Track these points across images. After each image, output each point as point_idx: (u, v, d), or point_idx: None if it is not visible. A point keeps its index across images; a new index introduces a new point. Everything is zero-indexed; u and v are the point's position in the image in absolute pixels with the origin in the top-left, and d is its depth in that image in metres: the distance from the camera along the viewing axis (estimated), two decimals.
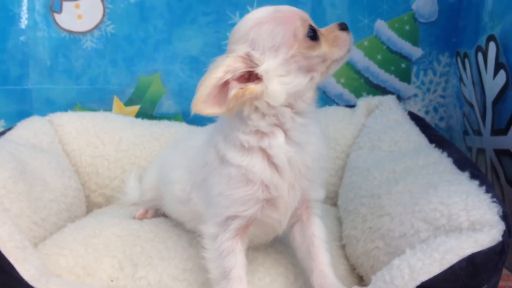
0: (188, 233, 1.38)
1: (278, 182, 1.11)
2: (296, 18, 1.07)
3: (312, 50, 1.06)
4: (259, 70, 1.03)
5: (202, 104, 0.99)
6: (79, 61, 2.19)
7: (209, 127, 1.27)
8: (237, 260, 1.12)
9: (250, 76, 1.03)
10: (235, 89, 1.00)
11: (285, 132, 1.10)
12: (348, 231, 1.41)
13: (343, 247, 1.43)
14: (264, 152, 1.09)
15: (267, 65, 1.03)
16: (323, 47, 1.09)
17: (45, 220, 1.43)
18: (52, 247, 1.33)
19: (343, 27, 1.13)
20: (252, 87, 1.02)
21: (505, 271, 1.58)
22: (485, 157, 1.72)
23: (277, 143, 1.09)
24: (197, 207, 1.25)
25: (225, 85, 1.01)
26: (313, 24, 1.09)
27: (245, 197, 1.11)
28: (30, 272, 1.05)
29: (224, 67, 1.00)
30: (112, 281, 1.24)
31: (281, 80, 1.05)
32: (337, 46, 1.11)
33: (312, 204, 1.22)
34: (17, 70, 2.14)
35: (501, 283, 1.46)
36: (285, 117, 1.08)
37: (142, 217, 1.59)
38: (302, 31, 1.06)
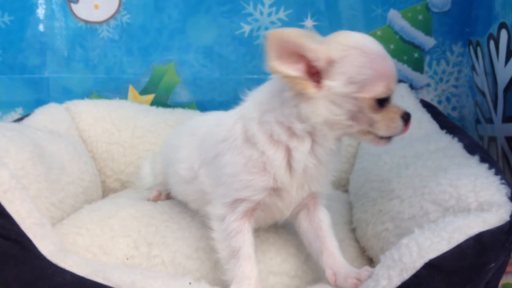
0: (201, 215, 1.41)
1: (289, 182, 1.14)
2: (388, 78, 1.06)
3: (370, 110, 1.06)
4: (326, 83, 1.04)
5: (276, 60, 1.00)
6: (96, 51, 2.22)
7: (233, 110, 1.27)
8: (245, 239, 1.15)
9: (315, 75, 1.05)
10: (298, 72, 1.02)
11: (313, 143, 1.11)
12: (359, 214, 1.43)
13: (353, 230, 1.46)
14: (288, 151, 1.12)
15: (334, 84, 1.04)
16: (379, 117, 1.07)
17: (62, 202, 1.46)
18: (69, 227, 1.37)
19: (406, 117, 1.12)
20: (309, 86, 1.03)
21: None
22: (496, 145, 1.73)
23: (303, 149, 1.11)
24: (204, 185, 1.27)
25: (298, 59, 1.03)
26: (391, 92, 1.09)
27: (257, 184, 1.13)
28: (49, 248, 1.09)
29: (313, 45, 1.02)
30: (127, 259, 1.27)
31: (330, 106, 1.05)
32: (387, 126, 1.09)
33: (319, 195, 1.24)
34: (35, 59, 2.19)
35: (508, 268, 1.48)
36: (318, 131, 1.10)
37: (156, 199, 1.62)
38: (381, 92, 1.05)
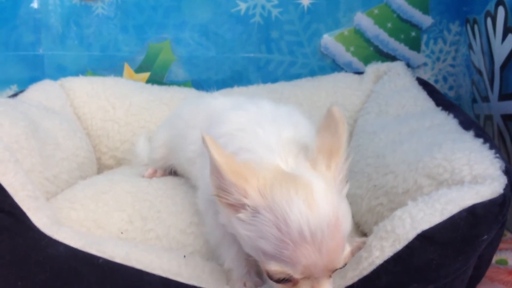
0: (195, 191, 1.41)
1: None
2: (292, 264, 0.86)
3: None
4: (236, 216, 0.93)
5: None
6: (90, 28, 2.21)
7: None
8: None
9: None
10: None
11: None
12: (353, 190, 1.43)
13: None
14: None
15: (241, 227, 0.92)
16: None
17: (56, 177, 1.46)
18: (63, 202, 1.37)
19: None
20: (222, 205, 0.94)
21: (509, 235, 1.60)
22: (492, 124, 1.73)
23: None
24: (197, 173, 1.28)
25: None
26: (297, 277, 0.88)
27: None
28: (42, 221, 1.08)
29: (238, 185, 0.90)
30: (122, 233, 1.27)
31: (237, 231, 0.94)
32: None
33: None
34: (29, 36, 2.17)
35: (503, 245, 1.49)
36: None
37: (151, 176, 1.62)
38: (273, 271, 0.88)
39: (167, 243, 1.25)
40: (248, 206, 0.88)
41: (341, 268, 0.90)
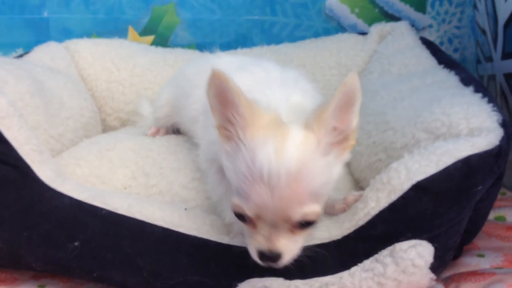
0: (197, 149, 1.43)
1: None
2: (246, 200, 0.91)
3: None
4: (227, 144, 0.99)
5: (213, 98, 0.95)
6: None
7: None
8: (229, 185, 1.17)
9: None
10: (220, 120, 0.96)
11: None
12: (353, 147, 1.44)
13: (348, 164, 1.47)
14: None
15: (225, 157, 0.98)
16: (245, 227, 0.97)
17: (61, 135, 1.49)
18: (68, 158, 1.40)
19: (261, 256, 0.94)
20: (221, 135, 0.98)
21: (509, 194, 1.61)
22: (495, 83, 1.73)
23: None
24: (199, 132, 1.31)
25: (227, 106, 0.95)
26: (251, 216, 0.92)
27: None
28: (47, 174, 1.11)
29: (243, 110, 0.93)
30: (125, 188, 1.30)
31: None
32: (248, 244, 0.97)
33: None
34: None
35: (502, 203, 1.50)
36: None
37: (154, 135, 1.65)
38: (234, 205, 0.94)
39: (169, 198, 1.28)
40: (235, 139, 0.93)
41: (303, 225, 0.92)
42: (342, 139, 0.96)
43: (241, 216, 0.94)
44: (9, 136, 1.10)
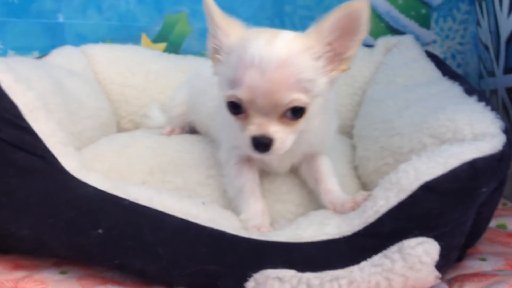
0: (212, 147, 1.49)
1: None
2: (238, 86, 1.05)
3: (229, 111, 1.11)
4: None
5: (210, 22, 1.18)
6: None
7: None
8: (248, 178, 1.25)
9: None
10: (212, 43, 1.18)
11: None
12: (361, 152, 1.50)
13: (356, 168, 1.53)
14: None
15: (215, 71, 1.20)
16: (239, 123, 1.11)
17: (81, 133, 1.54)
18: (88, 154, 1.46)
19: (255, 143, 1.07)
20: (212, 56, 1.20)
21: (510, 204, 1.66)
22: (497, 98, 1.79)
23: None
24: (217, 128, 1.38)
25: None
26: (244, 102, 1.06)
27: None
28: (72, 165, 1.16)
29: (223, 29, 1.16)
30: (144, 183, 1.35)
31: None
32: (242, 137, 1.10)
33: (315, 152, 1.32)
34: (51, 4, 2.23)
35: (502, 212, 1.55)
36: None
37: (170, 134, 1.71)
38: (228, 96, 1.08)
39: (185, 194, 1.33)
40: (226, 48, 1.09)
41: (293, 114, 1.04)
42: (335, 58, 1.08)
43: (234, 108, 1.05)
44: (37, 128, 1.16)
